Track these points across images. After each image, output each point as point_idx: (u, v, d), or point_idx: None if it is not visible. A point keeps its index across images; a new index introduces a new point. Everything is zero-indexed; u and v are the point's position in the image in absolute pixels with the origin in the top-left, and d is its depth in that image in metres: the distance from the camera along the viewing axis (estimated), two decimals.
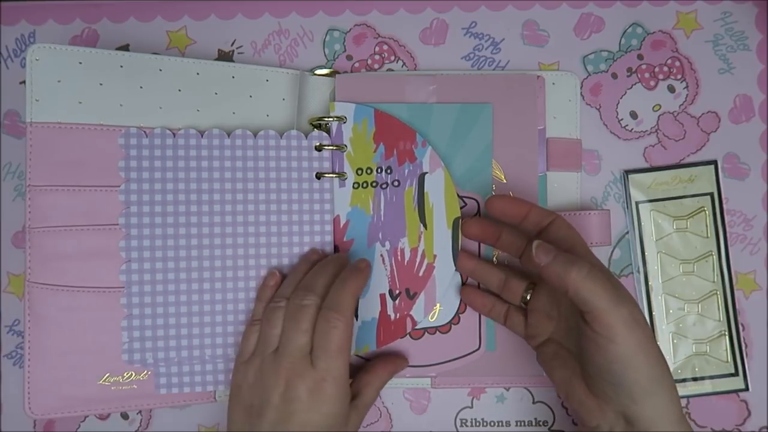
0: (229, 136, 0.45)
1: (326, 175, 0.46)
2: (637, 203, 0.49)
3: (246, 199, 0.45)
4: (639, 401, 0.36)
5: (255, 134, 0.45)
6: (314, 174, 0.46)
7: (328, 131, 0.46)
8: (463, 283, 0.47)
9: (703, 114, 0.50)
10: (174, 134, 0.44)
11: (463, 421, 0.49)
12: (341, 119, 0.46)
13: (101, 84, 0.44)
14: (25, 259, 0.43)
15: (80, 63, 0.43)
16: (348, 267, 0.43)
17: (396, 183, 0.46)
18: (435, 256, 0.46)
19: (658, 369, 0.36)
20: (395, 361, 0.46)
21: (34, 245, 0.43)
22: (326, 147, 0.46)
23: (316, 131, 0.46)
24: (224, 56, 0.49)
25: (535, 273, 0.42)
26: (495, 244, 0.45)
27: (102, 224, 0.43)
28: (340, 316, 0.39)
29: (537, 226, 0.43)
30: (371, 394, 0.44)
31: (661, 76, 0.50)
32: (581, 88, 0.50)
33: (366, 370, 0.45)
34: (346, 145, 0.46)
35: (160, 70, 0.45)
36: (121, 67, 0.44)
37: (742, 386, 0.48)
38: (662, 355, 0.37)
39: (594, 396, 0.38)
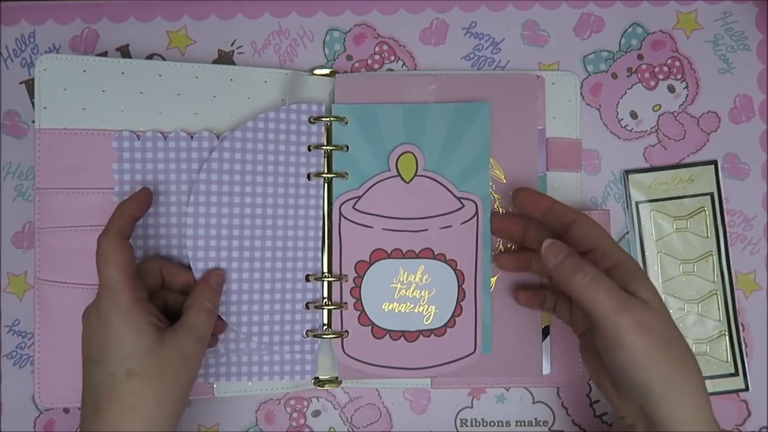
0: (218, 138, 0.45)
1: (323, 175, 0.46)
2: (637, 203, 0.49)
3: (243, 201, 0.45)
4: (655, 403, 0.36)
5: (245, 136, 0.45)
6: (306, 174, 0.46)
7: (327, 132, 0.46)
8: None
9: (703, 114, 0.50)
10: (165, 137, 0.45)
11: (463, 421, 0.49)
12: (341, 119, 0.46)
13: (103, 91, 0.45)
14: (34, 257, 0.44)
15: (84, 71, 0.45)
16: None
17: None
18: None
19: (675, 372, 0.36)
20: (209, 273, 0.44)
21: (42, 244, 0.44)
22: (321, 147, 0.46)
23: (306, 127, 0.46)
24: (224, 56, 0.49)
25: None
26: (521, 241, 0.45)
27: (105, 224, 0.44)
28: (100, 235, 0.39)
29: (560, 224, 0.42)
30: (194, 315, 0.40)
31: (661, 76, 0.50)
32: (581, 88, 0.50)
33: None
34: (347, 146, 0.46)
35: (160, 75, 0.45)
36: (122, 73, 0.45)
37: (742, 386, 0.48)
38: (685, 355, 0.37)
39: (618, 391, 0.39)
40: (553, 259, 0.38)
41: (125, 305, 0.37)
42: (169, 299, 0.43)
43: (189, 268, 0.44)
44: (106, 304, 0.37)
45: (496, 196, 0.47)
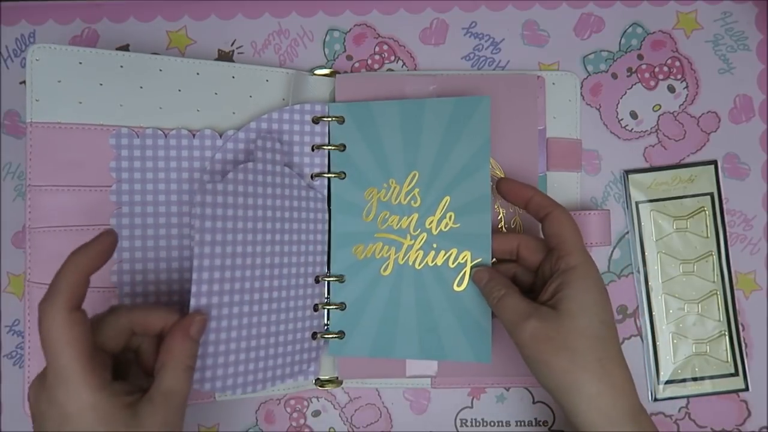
0: (221, 136, 0.45)
1: (324, 175, 0.46)
2: (637, 203, 0.49)
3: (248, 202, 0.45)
4: (562, 406, 0.38)
5: (248, 137, 0.45)
6: (310, 174, 0.46)
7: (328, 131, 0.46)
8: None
9: (703, 114, 0.50)
10: (165, 134, 0.44)
11: (463, 421, 0.49)
12: (338, 119, 0.46)
13: (101, 84, 0.44)
14: (25, 258, 0.43)
15: (80, 63, 0.43)
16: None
17: None
18: None
19: (573, 379, 0.37)
20: (188, 321, 0.38)
21: (34, 245, 0.43)
22: (322, 147, 0.46)
23: (310, 127, 0.46)
24: (224, 56, 0.49)
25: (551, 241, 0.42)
26: (524, 207, 0.44)
27: (101, 224, 0.43)
28: (44, 304, 0.33)
29: (537, 216, 0.43)
30: (171, 378, 0.35)
31: (661, 76, 0.50)
32: (581, 88, 0.50)
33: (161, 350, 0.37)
34: (344, 145, 0.46)
35: (160, 70, 0.45)
36: (121, 67, 0.44)
37: (742, 386, 0.48)
38: (588, 359, 0.37)
39: None
40: (480, 282, 0.43)
41: (88, 398, 0.32)
42: (143, 344, 0.38)
43: (164, 308, 0.38)
44: (62, 396, 0.32)
45: (496, 196, 0.47)
